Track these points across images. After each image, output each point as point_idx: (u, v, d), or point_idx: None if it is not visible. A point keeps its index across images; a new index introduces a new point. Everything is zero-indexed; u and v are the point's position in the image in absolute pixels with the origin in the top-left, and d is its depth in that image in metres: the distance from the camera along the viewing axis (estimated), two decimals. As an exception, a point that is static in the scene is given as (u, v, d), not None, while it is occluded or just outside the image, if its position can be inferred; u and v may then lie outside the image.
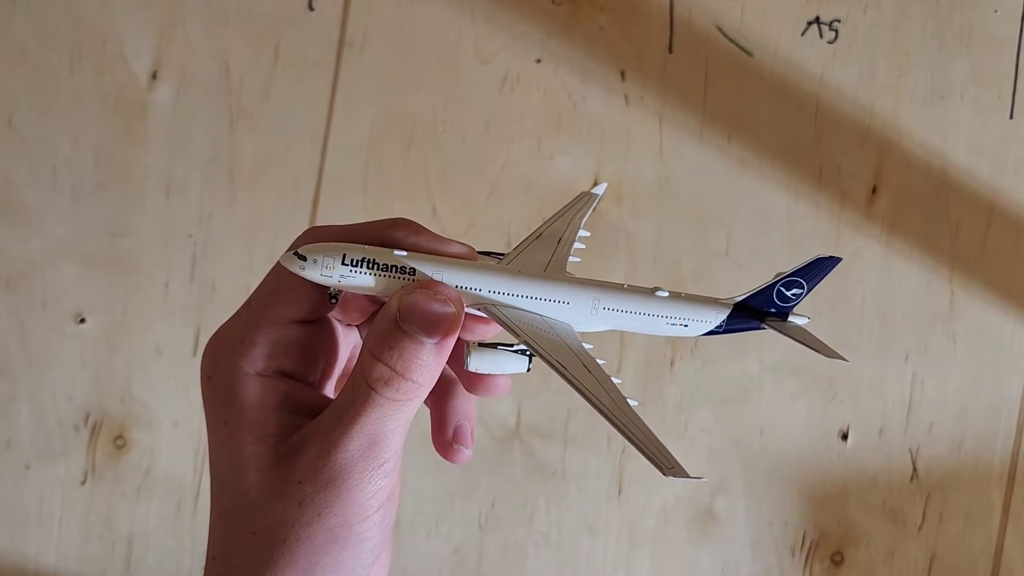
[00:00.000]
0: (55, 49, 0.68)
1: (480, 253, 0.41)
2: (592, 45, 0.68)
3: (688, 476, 0.32)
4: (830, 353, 0.41)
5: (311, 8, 0.68)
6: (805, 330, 0.43)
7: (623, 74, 0.68)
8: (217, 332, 0.39)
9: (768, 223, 0.67)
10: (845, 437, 0.67)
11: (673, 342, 0.67)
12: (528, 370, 0.39)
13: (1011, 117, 0.68)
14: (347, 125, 0.68)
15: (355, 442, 0.35)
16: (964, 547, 0.68)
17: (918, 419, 0.68)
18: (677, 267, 0.68)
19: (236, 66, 0.68)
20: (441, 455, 0.41)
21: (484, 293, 0.39)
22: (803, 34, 0.68)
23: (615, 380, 0.37)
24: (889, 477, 0.68)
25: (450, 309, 0.36)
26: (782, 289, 0.42)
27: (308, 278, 0.38)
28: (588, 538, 0.68)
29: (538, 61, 0.68)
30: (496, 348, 0.39)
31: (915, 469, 0.68)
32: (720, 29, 0.68)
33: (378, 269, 0.38)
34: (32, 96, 0.68)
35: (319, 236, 0.39)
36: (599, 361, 0.38)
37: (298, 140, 0.68)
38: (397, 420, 0.36)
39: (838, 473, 0.68)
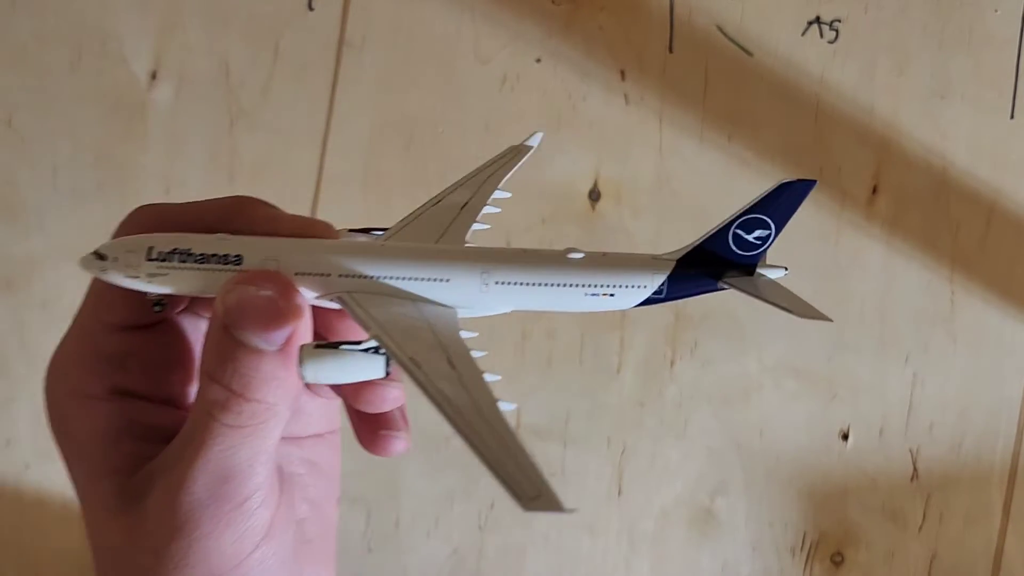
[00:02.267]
0: (55, 49, 0.68)
1: (354, 231, 0.34)
2: (592, 45, 0.68)
3: (559, 510, 0.23)
4: (811, 313, 0.32)
5: (311, 8, 0.68)
6: (779, 286, 0.33)
7: (623, 74, 0.68)
8: (56, 348, 0.33)
9: (768, 223, 0.67)
10: (845, 437, 0.67)
11: (673, 341, 0.67)
12: (387, 374, 0.29)
13: (1012, 117, 0.67)
14: (347, 125, 0.68)
15: (200, 482, 0.28)
16: (964, 548, 0.68)
17: (918, 419, 0.67)
18: (677, 267, 0.68)
19: (235, 66, 0.68)
20: (369, 451, 0.33)
21: (335, 278, 0.30)
22: (803, 34, 0.68)
23: (491, 377, 0.28)
24: (889, 478, 0.68)
25: (283, 300, 0.29)
26: (740, 232, 0.33)
27: (112, 282, 0.31)
28: (588, 539, 0.68)
29: (538, 61, 0.68)
30: (338, 348, 0.29)
31: (915, 470, 0.68)
32: (720, 29, 0.68)
33: (194, 261, 0.30)
34: (32, 96, 0.68)
35: (145, 218, 0.32)
36: (477, 354, 0.29)
37: (297, 140, 0.68)
38: (253, 448, 0.29)
39: (838, 474, 0.68)
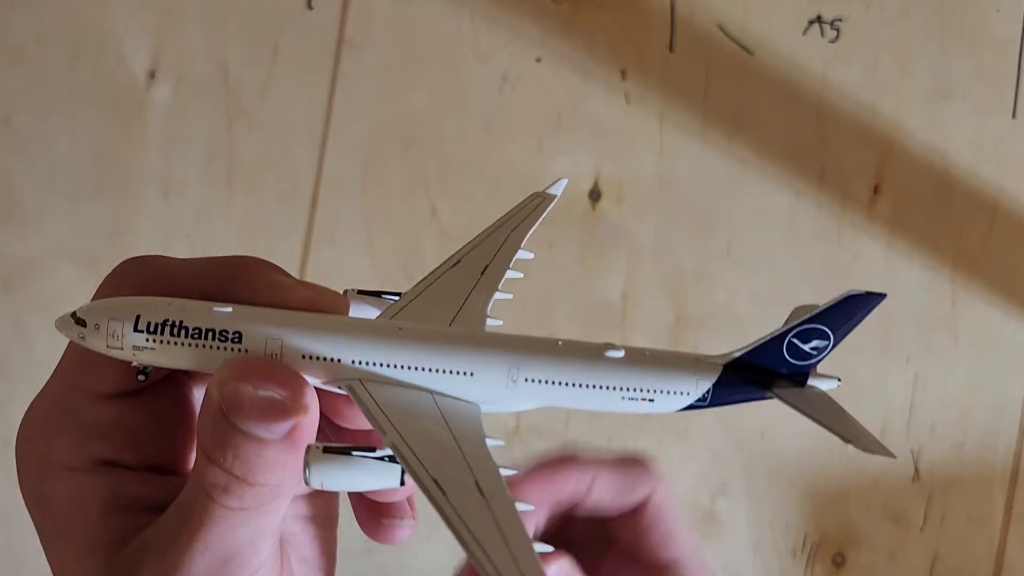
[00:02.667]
0: (53, 48, 0.68)
1: (363, 293, 0.31)
2: (593, 44, 0.68)
3: None
4: (872, 446, 0.29)
5: (310, 7, 0.68)
6: (832, 403, 0.31)
7: (624, 73, 0.68)
8: (28, 409, 0.30)
9: (769, 223, 0.67)
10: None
11: (674, 341, 0.67)
12: (402, 483, 0.26)
13: (1013, 116, 0.67)
14: (346, 124, 0.68)
15: (199, 564, 0.26)
16: (966, 549, 0.68)
17: (920, 420, 0.67)
18: (678, 267, 0.67)
19: (234, 65, 0.68)
20: (370, 537, 0.30)
21: (345, 364, 0.27)
22: (805, 33, 0.68)
23: (492, 441, 0.26)
24: (891, 478, 0.67)
25: (289, 399, 0.26)
26: (796, 341, 0.30)
27: (92, 348, 0.27)
28: (588, 539, 0.68)
29: (538, 60, 0.68)
30: (350, 455, 0.26)
31: (917, 470, 0.67)
32: (721, 28, 0.68)
33: (188, 336, 0.27)
34: (30, 96, 0.68)
35: (135, 274, 0.29)
36: (506, 472, 0.26)
37: (296, 140, 0.68)
38: (257, 527, 0.27)
39: (839, 474, 0.67)
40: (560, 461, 0.35)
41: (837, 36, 0.68)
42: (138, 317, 0.27)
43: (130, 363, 0.28)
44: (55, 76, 0.68)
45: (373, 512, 0.30)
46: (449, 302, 0.31)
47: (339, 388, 0.27)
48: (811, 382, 0.30)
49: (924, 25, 0.68)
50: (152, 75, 0.68)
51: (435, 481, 0.24)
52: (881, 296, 0.30)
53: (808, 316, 0.30)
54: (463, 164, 0.68)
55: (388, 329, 0.28)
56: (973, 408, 0.67)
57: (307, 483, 0.26)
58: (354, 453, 0.26)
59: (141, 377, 0.28)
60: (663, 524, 0.35)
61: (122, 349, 0.27)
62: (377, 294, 0.31)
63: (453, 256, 0.32)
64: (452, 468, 0.25)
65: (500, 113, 0.67)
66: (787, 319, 0.30)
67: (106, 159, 0.68)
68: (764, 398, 0.30)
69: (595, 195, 0.67)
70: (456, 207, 0.67)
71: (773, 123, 0.67)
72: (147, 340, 0.27)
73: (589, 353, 0.29)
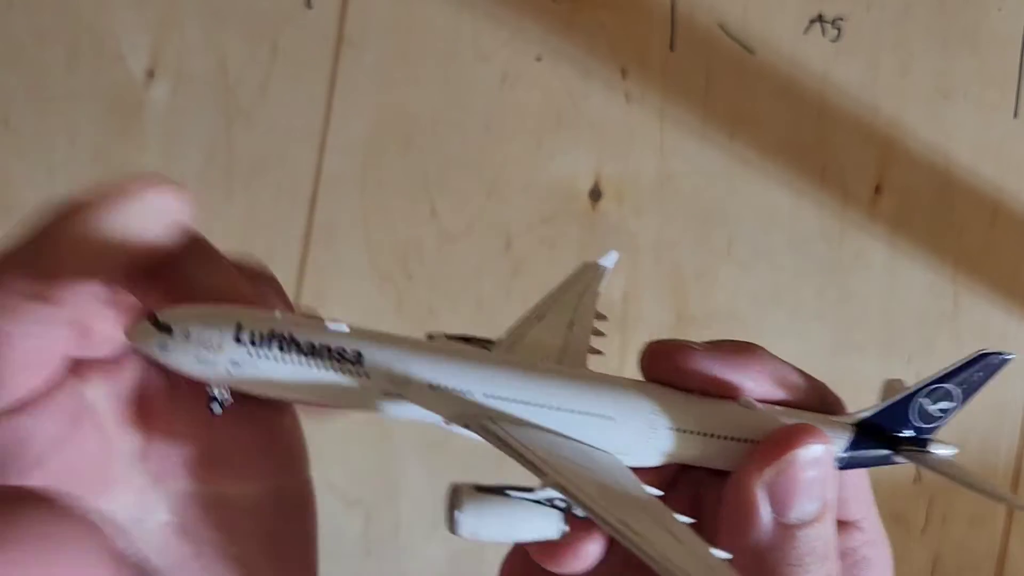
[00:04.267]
0: (51, 47, 0.68)
1: (452, 338, 0.28)
2: (593, 43, 0.67)
3: None
4: (1008, 500, 0.26)
5: (309, 6, 0.68)
6: (959, 466, 0.29)
7: (624, 72, 0.67)
8: None
9: (770, 222, 0.67)
10: (848, 439, 0.67)
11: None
12: (562, 534, 0.23)
13: (1015, 116, 0.67)
14: (345, 123, 0.68)
15: None
16: (968, 550, 0.67)
17: (922, 420, 0.67)
18: (678, 267, 0.67)
19: (233, 64, 0.67)
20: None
21: (476, 397, 0.24)
22: (806, 32, 0.68)
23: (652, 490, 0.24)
24: (892, 479, 0.67)
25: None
26: (924, 402, 0.29)
27: (172, 365, 0.23)
28: (588, 540, 0.68)
29: (538, 59, 0.67)
30: (505, 494, 0.23)
31: (918, 471, 0.67)
32: (722, 27, 0.68)
33: (299, 352, 0.23)
34: (28, 95, 0.68)
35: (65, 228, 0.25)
36: (683, 520, 0.23)
37: (295, 139, 0.67)
38: None
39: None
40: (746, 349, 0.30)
41: (838, 35, 0.68)
42: (239, 325, 0.23)
43: (208, 388, 0.24)
44: (53, 75, 0.68)
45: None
46: (550, 349, 0.29)
47: (465, 427, 0.24)
48: (932, 448, 0.29)
49: (925, 24, 0.68)
50: (151, 74, 0.68)
51: (623, 522, 0.21)
52: (1010, 357, 0.29)
53: (937, 375, 0.29)
54: (463, 163, 0.67)
55: (524, 364, 0.25)
56: (975, 409, 0.67)
57: (453, 531, 0.22)
58: (511, 493, 0.22)
59: (215, 407, 0.24)
60: (851, 477, 0.31)
61: (216, 365, 0.23)
62: (467, 339, 0.28)
63: (532, 310, 0.30)
64: (628, 509, 0.22)
65: (500, 112, 0.67)
66: (880, 394, 0.30)
67: (105, 158, 0.68)
68: (892, 462, 0.29)
69: (595, 195, 0.67)
70: (456, 206, 0.67)
71: (774, 122, 0.67)
72: (249, 354, 0.23)
73: (725, 405, 0.27)
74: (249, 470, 0.27)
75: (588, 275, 0.34)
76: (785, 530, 0.25)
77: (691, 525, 0.23)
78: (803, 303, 0.68)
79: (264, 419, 0.26)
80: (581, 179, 0.67)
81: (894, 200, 0.67)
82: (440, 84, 0.67)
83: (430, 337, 0.27)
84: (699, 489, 0.29)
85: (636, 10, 0.68)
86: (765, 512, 0.25)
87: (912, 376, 0.69)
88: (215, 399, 0.24)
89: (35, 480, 0.23)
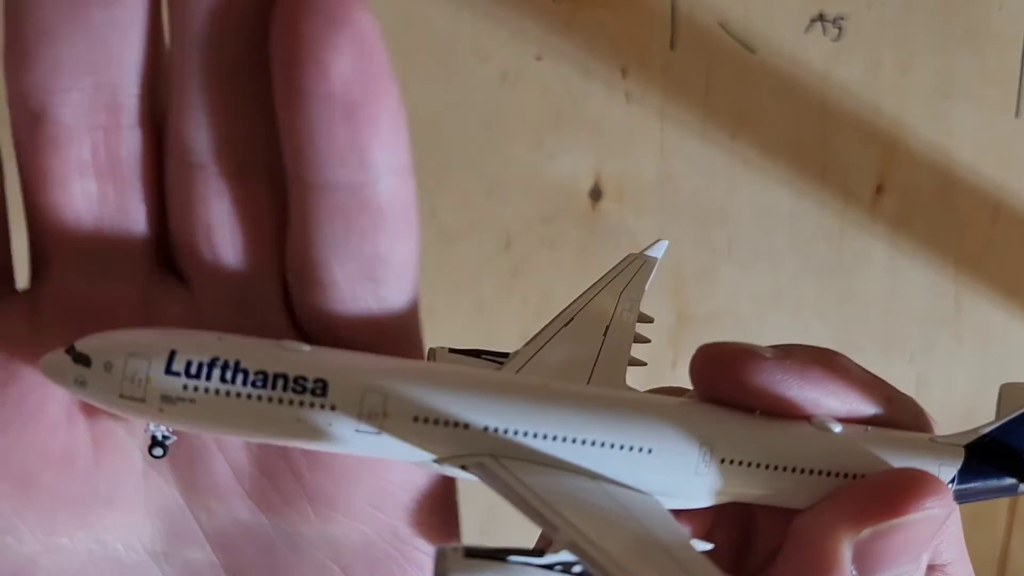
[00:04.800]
0: None
1: (456, 352, 0.24)
2: (593, 42, 0.67)
3: None
4: None
5: (308, 5, 0.68)
6: None
7: (624, 71, 0.67)
8: None
9: (771, 222, 0.67)
10: (849, 439, 0.67)
11: (675, 342, 0.66)
12: None
13: (1017, 115, 0.67)
14: (345, 123, 0.67)
15: None
16: (969, 550, 0.67)
17: (923, 421, 0.67)
18: (679, 267, 0.67)
19: (232, 63, 0.67)
20: None
21: (475, 429, 0.20)
22: (807, 31, 0.67)
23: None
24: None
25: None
26: None
27: (94, 403, 0.20)
28: (589, 541, 0.67)
29: (538, 58, 0.67)
30: (504, 561, 0.18)
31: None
32: (723, 26, 0.67)
33: (247, 384, 0.19)
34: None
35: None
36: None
37: (295, 138, 0.67)
38: None
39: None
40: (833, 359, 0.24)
41: (839, 34, 0.67)
42: (173, 353, 0.19)
43: (145, 428, 0.20)
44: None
45: None
46: (578, 361, 0.24)
47: (461, 468, 0.20)
48: None
49: (927, 23, 0.67)
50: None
51: None
52: None
53: None
54: (462, 163, 0.67)
55: (531, 386, 0.21)
56: (977, 409, 0.67)
57: None
58: (511, 559, 0.18)
59: (158, 452, 0.21)
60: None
61: (143, 401, 0.19)
62: (476, 354, 0.24)
63: (562, 313, 0.26)
64: (659, 566, 0.18)
65: (499, 112, 0.67)
66: (997, 404, 0.24)
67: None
68: (1016, 492, 0.23)
69: (596, 194, 0.67)
70: (455, 206, 0.67)
71: (775, 122, 0.67)
72: (184, 388, 0.19)
73: (797, 428, 0.22)
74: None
75: (632, 269, 0.30)
76: None
77: (737, 550, 0.20)
78: (804, 303, 0.68)
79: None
80: (581, 179, 0.67)
81: (895, 200, 0.67)
82: (440, 84, 0.67)
83: (431, 354, 0.24)
84: (750, 510, 0.24)
85: (636, 9, 0.67)
86: (846, 572, 0.21)
87: (913, 376, 0.69)
88: (157, 442, 0.21)
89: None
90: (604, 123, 0.67)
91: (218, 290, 0.21)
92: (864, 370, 0.24)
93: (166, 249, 0.22)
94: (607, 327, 0.25)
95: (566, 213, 0.67)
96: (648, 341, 0.27)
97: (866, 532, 0.21)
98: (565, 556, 0.18)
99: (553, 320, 0.25)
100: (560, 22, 0.67)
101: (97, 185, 0.21)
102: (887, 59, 0.67)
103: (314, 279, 0.20)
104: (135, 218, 0.21)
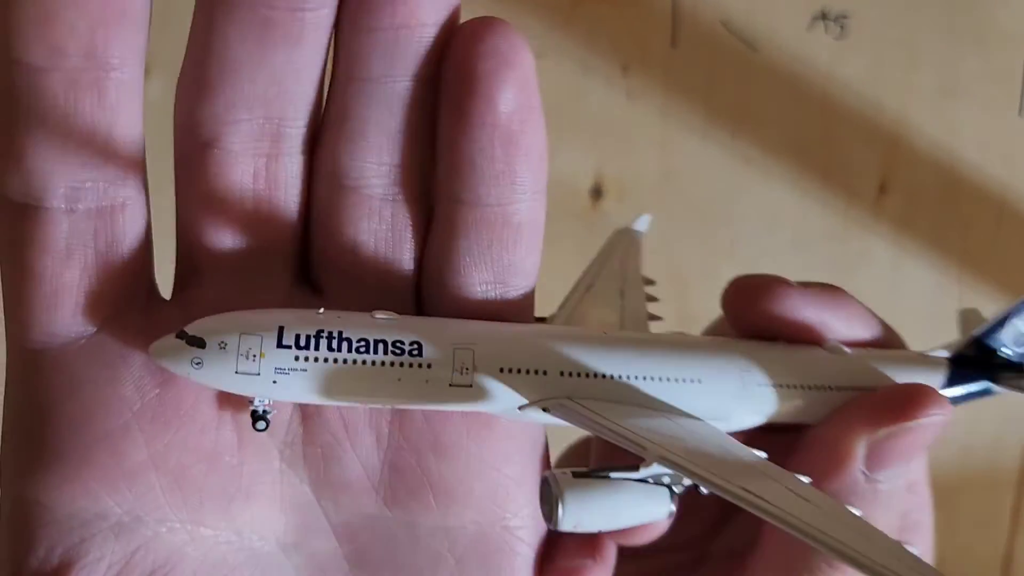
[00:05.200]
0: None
1: None
2: (594, 39, 0.67)
3: None
4: None
5: (307, 2, 0.68)
6: None
7: (625, 69, 0.67)
8: None
9: (774, 221, 0.67)
10: (852, 440, 0.67)
11: (676, 343, 0.66)
12: (671, 515, 0.22)
13: (1020, 114, 0.67)
14: (343, 121, 0.67)
15: None
16: (973, 554, 0.67)
17: (926, 422, 0.67)
18: (681, 266, 0.67)
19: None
20: None
21: (553, 377, 0.22)
22: (809, 29, 0.67)
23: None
24: (897, 481, 0.67)
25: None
26: (1020, 323, 0.27)
27: (209, 384, 0.22)
28: (589, 543, 0.67)
29: (538, 56, 0.67)
30: (608, 478, 0.21)
31: (923, 473, 0.67)
32: (725, 23, 0.67)
33: (352, 351, 0.21)
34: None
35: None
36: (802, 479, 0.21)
37: (293, 136, 0.67)
38: None
39: (845, 477, 0.67)
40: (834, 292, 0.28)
41: (842, 32, 0.67)
42: (282, 329, 0.21)
43: (250, 402, 0.22)
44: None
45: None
46: (608, 316, 0.27)
47: (545, 411, 0.22)
48: None
49: (930, 21, 0.67)
50: (147, 72, 0.67)
51: (746, 489, 0.19)
52: None
53: None
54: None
55: (593, 335, 0.24)
56: (980, 410, 0.67)
57: (555, 526, 0.21)
58: (614, 476, 0.21)
59: (261, 426, 0.23)
60: (922, 498, 0.29)
61: (258, 375, 0.21)
62: None
63: (580, 282, 0.30)
64: (745, 474, 0.20)
65: (500, 110, 0.67)
66: (959, 325, 0.29)
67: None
68: (992, 393, 0.28)
69: (596, 193, 0.67)
70: (455, 205, 0.67)
71: (777, 120, 0.67)
72: (296, 359, 0.21)
73: (813, 351, 0.25)
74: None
75: (625, 242, 0.34)
76: (870, 484, 0.25)
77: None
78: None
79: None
80: (582, 177, 0.67)
81: (899, 198, 0.67)
82: (439, 81, 0.67)
83: None
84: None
85: (637, 6, 0.67)
86: (858, 466, 0.25)
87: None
88: (260, 416, 0.22)
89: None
90: (605, 121, 0.67)
91: (351, 302, 0.24)
92: (863, 305, 0.28)
93: (306, 264, 0.24)
94: (622, 290, 0.30)
95: (566, 212, 0.67)
96: (657, 300, 0.31)
97: (881, 432, 0.24)
98: (656, 469, 0.21)
99: (574, 289, 0.29)
100: (560, 19, 0.67)
101: (254, 205, 0.23)
102: (890, 57, 0.67)
103: (454, 284, 0.23)
104: (283, 235, 0.24)
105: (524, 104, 0.23)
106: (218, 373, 0.21)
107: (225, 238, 0.24)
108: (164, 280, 0.26)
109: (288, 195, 0.24)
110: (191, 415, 0.23)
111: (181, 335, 0.21)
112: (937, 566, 0.69)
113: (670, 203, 0.67)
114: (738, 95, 0.67)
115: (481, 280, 0.23)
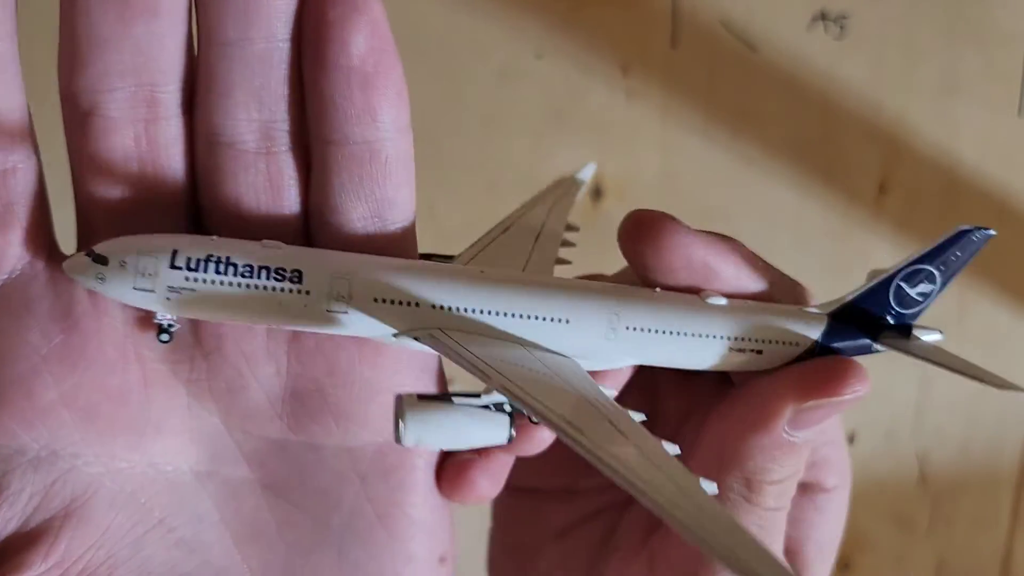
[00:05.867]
0: (44, 44, 0.67)
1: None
2: (593, 39, 0.67)
3: None
4: (1006, 384, 0.28)
5: (307, 2, 0.67)
6: (945, 351, 0.29)
7: (625, 69, 0.67)
8: None
9: (774, 221, 0.67)
10: (852, 440, 0.67)
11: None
12: (509, 439, 0.24)
13: (1020, 114, 0.67)
14: (343, 121, 0.67)
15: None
16: (972, 552, 0.67)
17: (926, 422, 0.67)
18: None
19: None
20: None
21: (424, 309, 0.24)
22: (809, 29, 0.67)
23: (636, 415, 0.23)
24: (896, 481, 0.67)
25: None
26: (903, 285, 0.28)
27: (111, 296, 0.24)
28: (589, 543, 0.67)
29: (538, 56, 0.67)
30: (448, 400, 0.23)
31: (923, 473, 0.67)
32: (725, 24, 0.67)
33: (237, 275, 0.23)
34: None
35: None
36: (635, 417, 0.23)
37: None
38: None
39: (844, 477, 0.67)
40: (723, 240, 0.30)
41: (842, 32, 0.67)
42: (175, 252, 0.23)
43: (154, 317, 0.24)
44: (46, 75, 0.67)
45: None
46: (514, 258, 0.29)
47: (415, 339, 0.23)
48: (916, 334, 0.29)
49: (930, 21, 0.67)
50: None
51: (569, 422, 0.20)
52: (990, 232, 0.27)
53: (915, 255, 0.28)
54: (461, 161, 0.67)
55: (469, 272, 0.25)
56: (980, 410, 0.67)
57: (399, 441, 0.23)
58: (455, 399, 0.23)
59: (164, 338, 0.25)
60: (832, 437, 0.33)
61: (153, 291, 0.23)
62: (427, 256, 0.28)
63: (501, 223, 0.31)
64: (576, 409, 0.21)
65: (499, 109, 0.67)
66: (866, 282, 0.29)
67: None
68: (872, 350, 0.29)
69: (596, 193, 0.67)
70: (454, 204, 0.67)
71: (777, 120, 0.67)
72: (187, 280, 0.23)
73: (690, 301, 0.26)
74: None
75: (561, 188, 0.35)
76: (788, 438, 0.27)
77: (643, 422, 0.23)
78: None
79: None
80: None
81: (899, 198, 0.67)
82: (439, 82, 0.67)
83: None
84: (656, 388, 0.32)
85: (637, 7, 0.67)
86: (782, 427, 0.27)
87: (916, 376, 0.68)
88: (164, 329, 0.24)
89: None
90: (605, 122, 0.67)
91: None
92: (757, 256, 0.29)
93: (200, 220, 0.26)
94: (539, 233, 0.31)
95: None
96: (574, 245, 0.32)
97: (810, 404, 0.27)
98: (497, 397, 0.23)
99: (492, 229, 0.30)
100: (560, 19, 0.67)
101: (139, 167, 0.25)
102: (890, 57, 0.67)
103: (336, 223, 0.25)
104: (171, 193, 0.25)
105: (376, 46, 0.25)
106: (118, 288, 0.23)
107: (117, 199, 0.25)
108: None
109: (171, 156, 0.25)
110: (96, 357, 0.25)
111: (89, 253, 0.24)
112: (937, 566, 0.69)
113: (670, 203, 0.67)
114: (738, 95, 0.67)
115: (359, 215, 0.25)
